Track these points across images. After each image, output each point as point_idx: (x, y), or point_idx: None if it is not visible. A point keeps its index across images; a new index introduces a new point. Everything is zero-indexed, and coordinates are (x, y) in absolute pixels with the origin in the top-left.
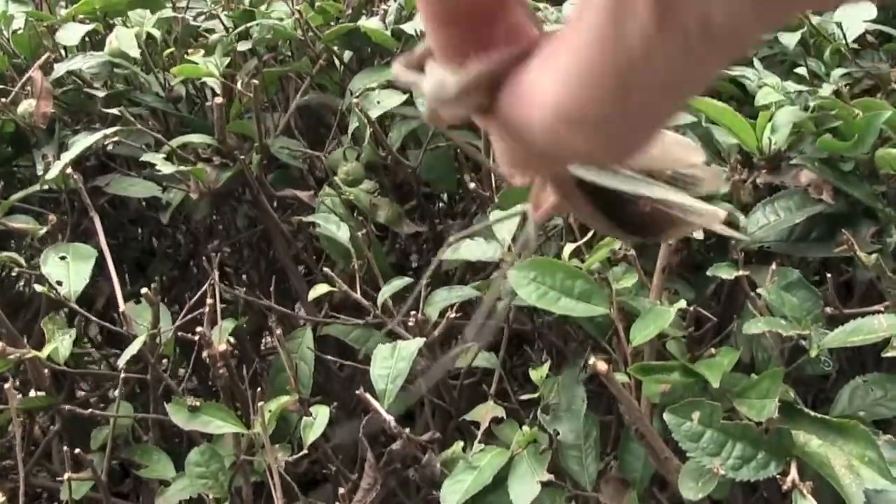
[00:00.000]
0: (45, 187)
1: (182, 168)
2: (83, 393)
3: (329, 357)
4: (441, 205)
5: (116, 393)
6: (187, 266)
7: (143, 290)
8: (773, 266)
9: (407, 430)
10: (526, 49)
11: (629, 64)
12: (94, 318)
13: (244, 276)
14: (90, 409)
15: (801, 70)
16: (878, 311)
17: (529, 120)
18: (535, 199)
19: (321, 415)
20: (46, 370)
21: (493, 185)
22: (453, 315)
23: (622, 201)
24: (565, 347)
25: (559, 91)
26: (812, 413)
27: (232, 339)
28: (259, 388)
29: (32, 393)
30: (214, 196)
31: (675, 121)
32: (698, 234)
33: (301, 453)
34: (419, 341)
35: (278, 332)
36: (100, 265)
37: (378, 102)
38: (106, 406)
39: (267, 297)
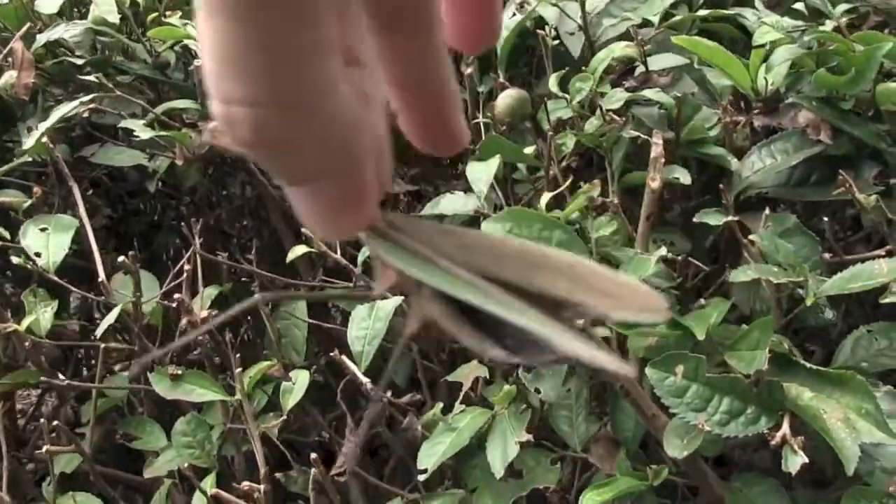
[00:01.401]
0: (30, 159)
1: (163, 133)
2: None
3: (309, 321)
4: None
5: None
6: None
7: (120, 259)
8: (767, 211)
9: (389, 392)
10: None
11: None
12: (74, 289)
13: (248, 245)
14: (67, 381)
15: (800, 6)
16: (880, 256)
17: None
18: (382, 274)
19: (300, 380)
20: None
21: (480, 133)
22: None
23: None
24: None
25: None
26: (808, 365)
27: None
28: (238, 355)
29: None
30: (205, 162)
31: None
32: (686, 180)
33: (281, 419)
34: (396, 300)
35: (257, 296)
36: (100, 239)
37: None
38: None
39: (264, 264)
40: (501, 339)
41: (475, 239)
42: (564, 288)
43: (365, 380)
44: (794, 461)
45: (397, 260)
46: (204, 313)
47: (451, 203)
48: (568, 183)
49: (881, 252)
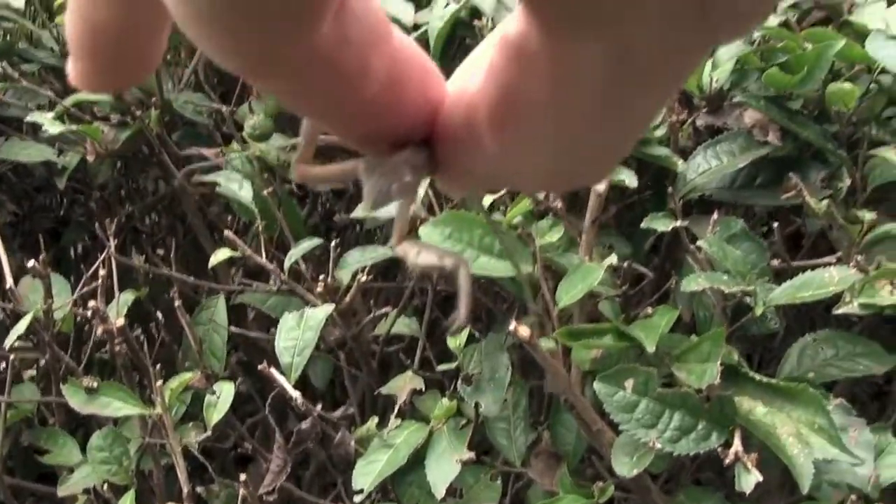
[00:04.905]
0: None
1: (74, 128)
2: None
3: (233, 329)
4: None
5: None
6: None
7: (30, 263)
8: (715, 216)
9: (319, 406)
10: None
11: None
12: None
13: (161, 243)
14: None
15: None
16: (829, 264)
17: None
18: None
19: (225, 393)
20: None
21: None
22: (365, 278)
23: None
24: (495, 308)
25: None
26: (758, 377)
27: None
28: (158, 366)
29: None
30: (118, 158)
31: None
32: (632, 183)
33: (204, 436)
34: (327, 308)
35: (178, 303)
36: (4, 237)
37: None
38: None
39: (181, 265)
40: None
41: None
42: None
43: (295, 393)
44: (748, 480)
45: None
46: (120, 321)
47: (389, 206)
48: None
49: (831, 259)
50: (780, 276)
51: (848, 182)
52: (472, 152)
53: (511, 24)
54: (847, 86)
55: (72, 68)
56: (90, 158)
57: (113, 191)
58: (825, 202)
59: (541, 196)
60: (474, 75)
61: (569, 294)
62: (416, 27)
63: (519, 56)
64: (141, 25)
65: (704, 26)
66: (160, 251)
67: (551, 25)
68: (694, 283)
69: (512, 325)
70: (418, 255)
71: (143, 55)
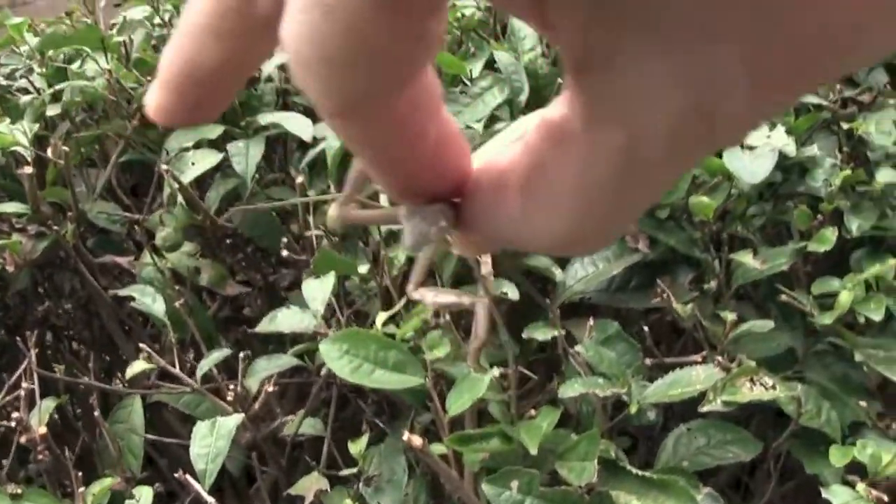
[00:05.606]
0: None
1: None
2: None
3: (149, 437)
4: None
5: None
6: (17, 331)
7: None
8: (591, 321)
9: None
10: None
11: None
12: None
13: (78, 339)
14: None
15: None
16: (696, 362)
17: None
18: None
19: (144, 497)
20: None
21: (313, 246)
22: (271, 388)
23: None
24: (402, 402)
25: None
26: (634, 471)
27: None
28: (80, 473)
29: None
30: (34, 266)
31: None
32: (514, 295)
33: None
34: (237, 417)
35: (96, 413)
36: None
37: (192, 164)
38: None
39: (94, 364)
40: None
41: None
42: None
43: (210, 499)
44: None
45: None
46: (42, 430)
47: (288, 319)
48: (403, 302)
49: (697, 358)
50: (659, 369)
51: (714, 283)
52: (497, 214)
53: (553, 110)
54: (705, 199)
55: (153, 100)
56: (10, 269)
57: (31, 289)
58: (689, 305)
59: (429, 314)
60: (502, 152)
61: (457, 403)
62: (315, 141)
63: (558, 137)
64: (239, 68)
65: (708, 140)
66: (81, 337)
67: (588, 112)
68: (571, 389)
69: (405, 436)
70: (436, 297)
71: (226, 95)
